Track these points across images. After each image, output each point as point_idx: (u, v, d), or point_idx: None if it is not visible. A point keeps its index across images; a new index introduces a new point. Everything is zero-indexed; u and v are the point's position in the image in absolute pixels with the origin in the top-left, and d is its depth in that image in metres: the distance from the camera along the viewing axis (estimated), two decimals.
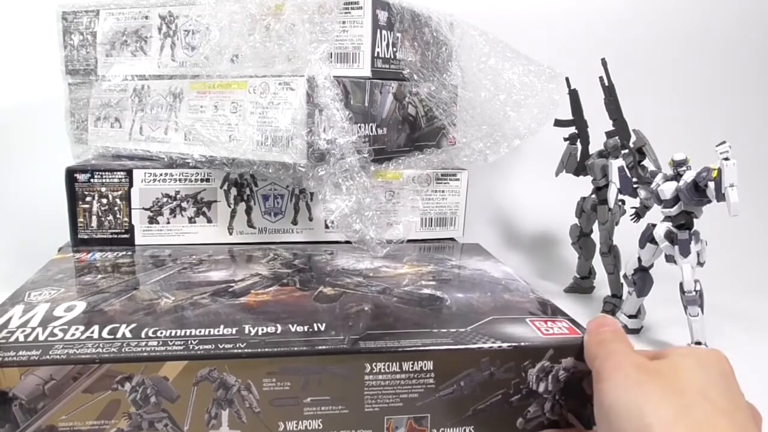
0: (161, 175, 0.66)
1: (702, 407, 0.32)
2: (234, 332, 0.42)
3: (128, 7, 0.71)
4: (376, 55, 0.63)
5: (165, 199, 0.66)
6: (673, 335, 0.67)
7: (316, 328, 0.44)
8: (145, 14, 0.70)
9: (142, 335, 0.42)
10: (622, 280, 0.72)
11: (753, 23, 1.08)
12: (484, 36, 0.72)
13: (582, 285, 0.82)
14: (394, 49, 0.66)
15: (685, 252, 0.62)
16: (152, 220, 0.66)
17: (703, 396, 0.32)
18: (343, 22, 0.61)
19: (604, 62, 0.71)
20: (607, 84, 0.72)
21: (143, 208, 0.66)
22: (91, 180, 0.65)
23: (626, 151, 0.69)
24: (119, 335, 0.42)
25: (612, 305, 0.73)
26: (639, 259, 0.67)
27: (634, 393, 0.33)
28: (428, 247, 0.70)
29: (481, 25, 0.74)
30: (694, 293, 0.62)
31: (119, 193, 0.66)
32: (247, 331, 0.43)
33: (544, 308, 0.50)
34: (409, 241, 0.68)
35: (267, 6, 0.60)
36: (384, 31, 0.64)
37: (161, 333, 0.42)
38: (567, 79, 0.75)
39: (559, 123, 0.77)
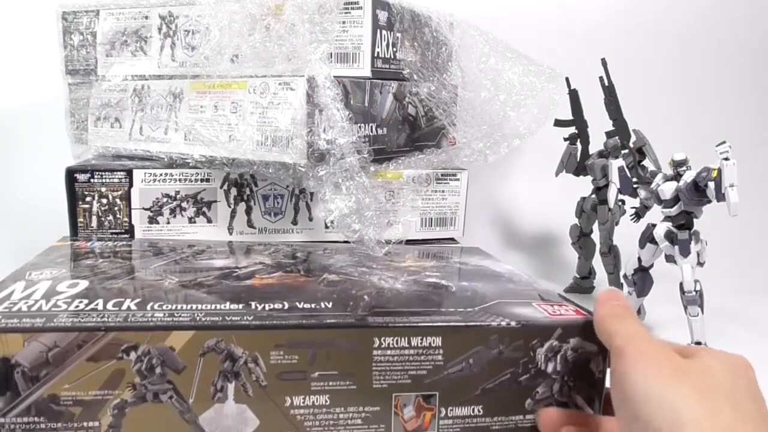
0: (161, 175, 0.66)
1: (731, 413, 0.31)
2: (241, 307, 0.42)
3: (128, 7, 0.71)
4: (376, 55, 0.63)
5: (165, 199, 0.66)
6: (673, 335, 0.67)
7: (323, 306, 0.43)
8: (145, 14, 0.70)
9: (148, 308, 0.41)
10: (622, 280, 0.72)
11: (753, 23, 1.08)
12: (484, 36, 0.72)
13: (582, 285, 0.82)
14: (394, 49, 0.66)
15: (685, 252, 0.62)
16: (152, 220, 0.66)
17: (732, 401, 0.32)
18: (343, 22, 0.61)
19: (604, 62, 0.71)
20: (607, 84, 0.72)
21: (143, 208, 0.66)
22: (91, 180, 0.65)
23: (626, 151, 0.69)
24: (124, 307, 0.41)
25: None
26: (639, 259, 0.67)
27: (665, 387, 0.33)
28: (428, 249, 0.70)
29: (481, 25, 0.74)
30: (694, 293, 0.62)
31: (119, 193, 0.66)
32: (254, 306, 0.42)
33: (550, 295, 0.50)
34: (408, 241, 0.68)
35: (267, 6, 0.60)
36: (384, 31, 0.64)
37: (167, 306, 0.41)
38: (567, 79, 0.75)
39: (559, 123, 0.77)
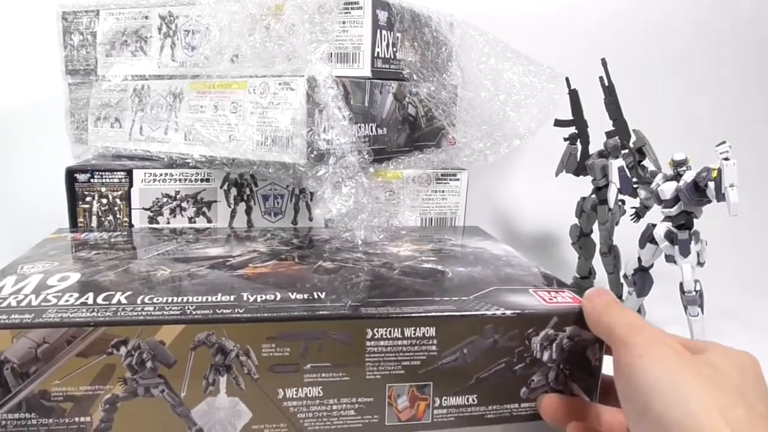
0: (161, 175, 0.66)
1: (741, 407, 0.31)
2: (232, 299, 0.42)
3: (128, 7, 0.71)
4: (376, 55, 0.63)
5: (165, 199, 0.66)
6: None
7: (316, 296, 0.43)
8: (145, 14, 0.70)
9: (138, 301, 0.41)
10: (622, 280, 0.72)
11: (753, 23, 1.08)
12: (484, 36, 0.72)
13: (582, 285, 0.82)
14: (394, 49, 0.66)
15: (685, 252, 0.62)
16: (152, 220, 0.66)
17: (741, 397, 0.32)
18: (343, 22, 0.61)
19: (604, 62, 0.71)
20: (607, 84, 0.72)
21: (143, 208, 0.66)
22: (91, 180, 0.65)
23: (626, 151, 0.69)
24: (114, 301, 0.41)
25: None
26: (639, 259, 0.67)
27: (675, 377, 0.32)
28: (427, 231, 0.70)
29: (481, 25, 0.74)
30: (694, 293, 0.62)
31: (119, 193, 0.66)
32: (245, 298, 0.42)
33: (548, 280, 0.49)
34: None
35: (267, 6, 0.60)
36: (384, 31, 0.64)
37: (158, 299, 0.41)
38: (567, 79, 0.75)
39: (559, 123, 0.77)
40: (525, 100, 0.69)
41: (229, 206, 0.67)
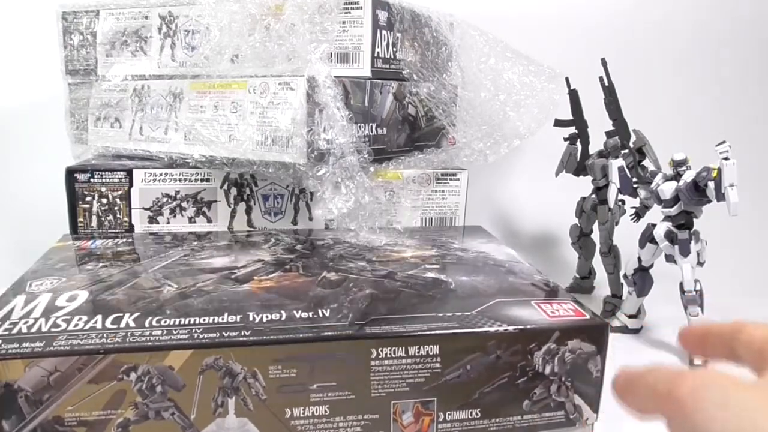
0: (161, 175, 0.66)
1: None
2: (238, 320, 0.42)
3: (128, 7, 0.71)
4: (376, 55, 0.63)
5: (165, 199, 0.66)
6: (673, 335, 0.67)
7: (320, 314, 0.43)
8: (145, 14, 0.70)
9: (146, 324, 0.41)
10: (622, 280, 0.72)
11: (753, 23, 1.08)
12: (484, 36, 0.72)
13: (582, 285, 0.82)
14: (394, 49, 0.66)
15: (685, 252, 0.62)
16: (152, 220, 0.66)
17: None
18: (343, 22, 0.61)
19: (604, 62, 0.71)
20: (607, 84, 0.72)
21: (143, 208, 0.66)
22: (91, 180, 0.65)
23: (626, 151, 0.69)
24: (123, 325, 0.41)
25: (612, 305, 0.73)
26: (639, 259, 0.67)
27: (739, 412, 0.24)
28: (430, 233, 0.70)
29: (481, 25, 0.74)
30: (694, 293, 0.62)
31: (119, 193, 0.66)
32: (251, 318, 0.42)
33: (549, 290, 0.50)
34: None
35: (267, 6, 0.60)
36: (384, 31, 0.64)
37: (165, 322, 0.42)
38: (567, 79, 0.75)
39: (559, 123, 0.77)
40: (525, 100, 0.69)
41: (229, 206, 0.67)
